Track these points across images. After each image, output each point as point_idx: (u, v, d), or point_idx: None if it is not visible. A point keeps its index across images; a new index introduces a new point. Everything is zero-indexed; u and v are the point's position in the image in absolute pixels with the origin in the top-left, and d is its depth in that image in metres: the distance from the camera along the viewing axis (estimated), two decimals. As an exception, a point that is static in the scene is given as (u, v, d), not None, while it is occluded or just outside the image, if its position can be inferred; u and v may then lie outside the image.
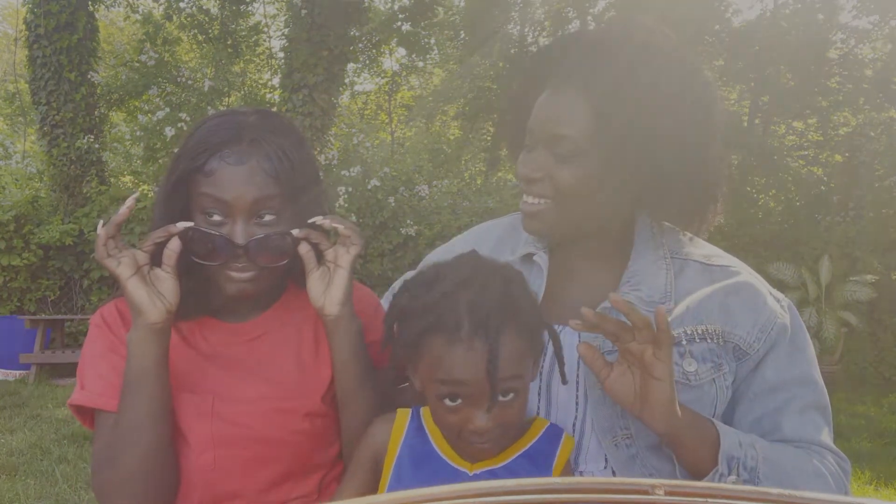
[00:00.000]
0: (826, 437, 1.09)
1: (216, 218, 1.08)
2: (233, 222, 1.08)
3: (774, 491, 0.38)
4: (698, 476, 1.00)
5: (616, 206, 1.12)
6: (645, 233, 1.16)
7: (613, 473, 1.10)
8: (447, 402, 0.94)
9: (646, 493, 0.38)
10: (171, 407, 1.10)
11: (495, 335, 0.91)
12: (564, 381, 1.03)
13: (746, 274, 1.14)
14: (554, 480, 0.40)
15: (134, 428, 1.05)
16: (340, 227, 1.11)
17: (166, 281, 1.05)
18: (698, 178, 1.08)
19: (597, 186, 1.07)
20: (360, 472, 1.06)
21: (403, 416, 1.06)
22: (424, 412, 1.06)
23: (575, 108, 1.05)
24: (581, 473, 1.10)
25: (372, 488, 1.05)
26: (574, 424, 1.11)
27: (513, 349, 0.93)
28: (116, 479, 1.05)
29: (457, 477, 0.99)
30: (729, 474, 0.98)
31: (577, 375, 1.11)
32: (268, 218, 1.09)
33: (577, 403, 1.11)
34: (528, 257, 1.21)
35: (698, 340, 1.08)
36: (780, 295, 1.15)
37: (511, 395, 0.94)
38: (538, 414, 1.14)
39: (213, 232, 1.07)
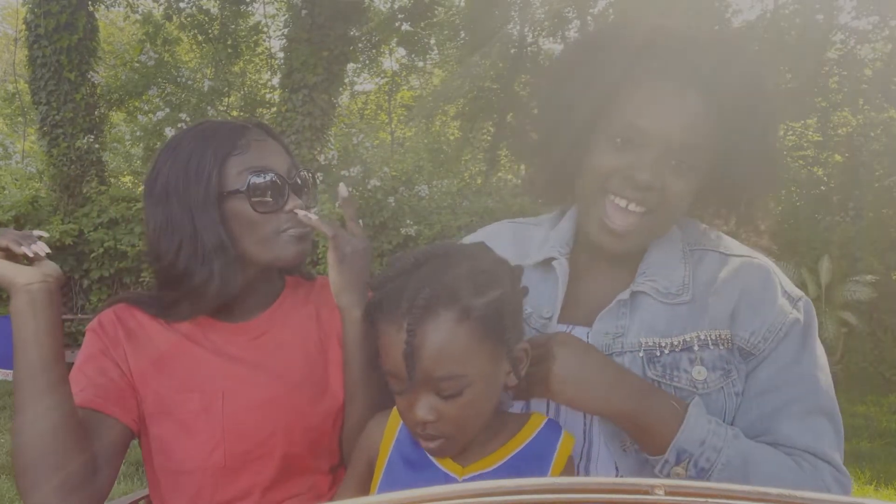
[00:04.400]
0: (828, 446, 1.00)
1: (269, 187, 1.14)
2: (286, 187, 1.15)
3: (774, 491, 0.38)
4: (650, 454, 0.99)
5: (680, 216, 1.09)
6: None
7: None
8: (396, 393, 0.91)
9: (646, 493, 0.38)
10: (65, 394, 1.03)
11: (421, 319, 0.84)
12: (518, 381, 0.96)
13: (764, 268, 1.09)
14: (554, 480, 0.39)
15: (20, 407, 1.00)
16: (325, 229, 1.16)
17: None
18: (769, 186, 1.10)
19: (694, 194, 1.03)
20: (358, 473, 1.05)
21: (398, 415, 1.03)
22: None
23: (704, 115, 0.98)
24: None
25: (369, 489, 1.03)
26: (584, 432, 1.08)
27: (450, 342, 0.85)
28: (15, 448, 1.01)
29: (446, 481, 0.94)
30: (676, 464, 0.96)
31: None
32: (305, 186, 1.21)
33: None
34: (545, 262, 1.16)
35: (710, 347, 1.04)
36: (796, 293, 1.09)
37: (452, 394, 0.86)
38: None
39: (263, 172, 1.13)
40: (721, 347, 1.04)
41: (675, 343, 1.04)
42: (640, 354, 1.04)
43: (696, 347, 1.03)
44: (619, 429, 1.04)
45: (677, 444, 0.95)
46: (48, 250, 1.03)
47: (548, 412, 1.11)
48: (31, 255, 1.01)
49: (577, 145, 1.06)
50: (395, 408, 1.04)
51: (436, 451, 0.93)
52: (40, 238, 1.04)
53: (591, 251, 1.14)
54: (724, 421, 1.03)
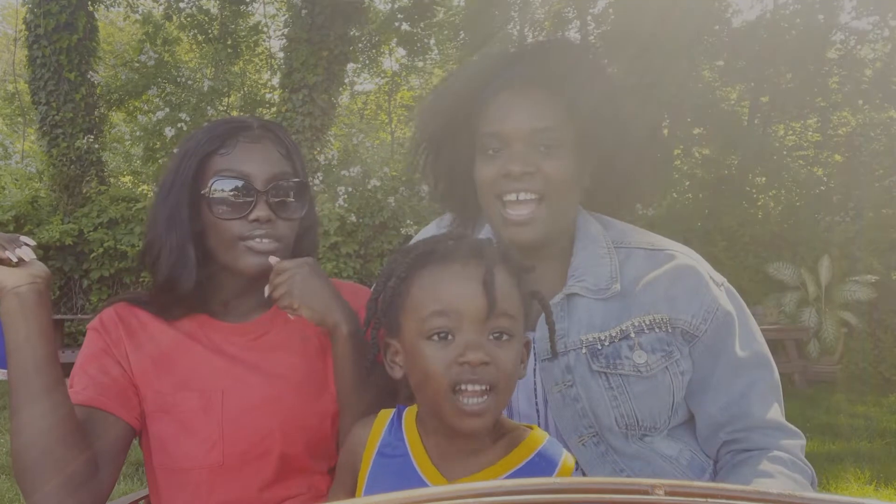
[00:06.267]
0: (781, 416, 1.14)
1: (234, 192, 1.13)
2: (255, 196, 1.13)
3: (774, 491, 0.38)
4: None
5: (577, 200, 1.19)
6: (585, 227, 1.20)
7: (584, 475, 1.11)
8: (436, 339, 0.88)
9: (646, 493, 0.38)
10: (61, 396, 1.03)
11: (490, 261, 0.89)
12: (555, 354, 1.00)
13: (688, 258, 1.18)
14: (554, 480, 0.39)
15: (16, 410, 1.01)
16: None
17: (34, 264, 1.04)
18: (643, 169, 1.20)
19: (576, 177, 1.14)
20: (344, 479, 1.02)
21: (382, 419, 1.01)
22: (407, 414, 0.99)
23: (546, 103, 1.11)
24: None
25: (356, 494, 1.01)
26: (539, 426, 1.12)
27: (507, 285, 0.90)
28: (13, 450, 1.02)
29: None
30: None
31: (535, 382, 1.13)
32: (286, 197, 1.16)
33: (537, 410, 1.14)
34: None
35: (647, 331, 1.11)
36: (719, 277, 1.19)
37: (504, 337, 0.89)
38: None
39: (233, 177, 1.11)
40: (658, 330, 1.11)
41: (614, 334, 1.11)
42: (583, 351, 1.11)
43: (632, 334, 1.11)
44: (574, 423, 1.10)
45: None
46: (34, 256, 1.03)
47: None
48: (15, 259, 1.00)
49: (465, 167, 1.19)
50: (377, 416, 1.01)
51: (479, 412, 0.87)
52: (27, 244, 1.04)
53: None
54: (674, 402, 1.12)
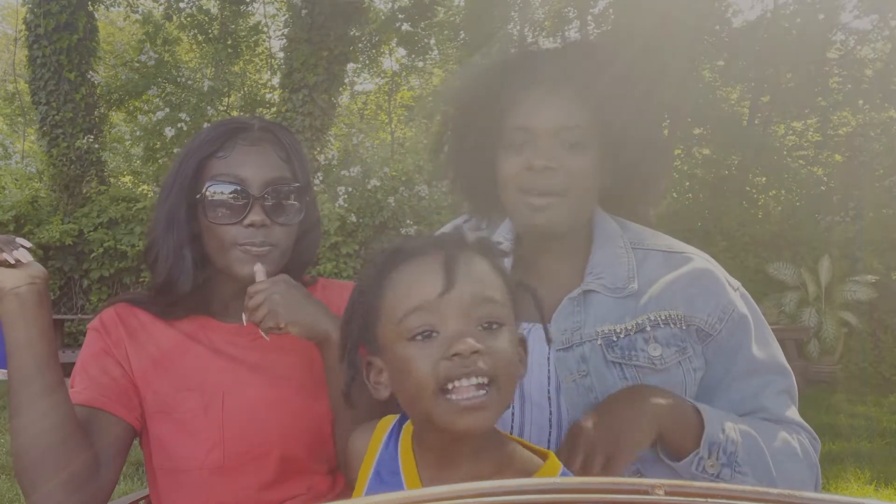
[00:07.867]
0: (798, 416, 1.15)
1: (230, 197, 1.12)
2: (250, 200, 1.12)
3: (774, 491, 0.38)
4: (677, 457, 1.03)
5: (596, 200, 1.21)
6: (603, 226, 1.21)
7: None
8: (419, 339, 0.81)
9: (646, 492, 0.38)
10: (62, 397, 1.04)
11: (457, 248, 0.84)
12: (549, 340, 0.96)
13: (705, 262, 1.19)
14: (554, 480, 0.39)
15: (16, 410, 1.01)
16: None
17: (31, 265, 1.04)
18: (657, 171, 1.22)
19: (596, 176, 1.15)
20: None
21: (384, 426, 0.95)
22: (404, 434, 0.93)
23: (576, 102, 1.12)
24: None
25: None
26: (550, 419, 1.13)
27: (485, 270, 0.85)
28: (14, 450, 1.03)
29: None
30: (708, 458, 1.01)
31: (549, 371, 1.13)
32: (283, 201, 1.15)
33: (549, 398, 1.13)
34: None
35: (662, 326, 1.12)
36: (735, 282, 1.20)
37: (494, 326, 0.81)
38: (513, 414, 1.13)
39: (229, 182, 1.11)
40: (673, 326, 1.12)
41: (629, 327, 1.12)
42: (599, 342, 1.12)
43: (648, 328, 1.12)
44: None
45: (708, 438, 1.01)
46: (31, 257, 1.03)
47: (513, 408, 1.14)
48: (12, 261, 1.01)
49: (487, 159, 1.19)
50: (377, 424, 0.96)
51: (480, 406, 0.78)
52: (24, 245, 1.04)
53: (532, 249, 1.21)
54: (686, 396, 1.12)
